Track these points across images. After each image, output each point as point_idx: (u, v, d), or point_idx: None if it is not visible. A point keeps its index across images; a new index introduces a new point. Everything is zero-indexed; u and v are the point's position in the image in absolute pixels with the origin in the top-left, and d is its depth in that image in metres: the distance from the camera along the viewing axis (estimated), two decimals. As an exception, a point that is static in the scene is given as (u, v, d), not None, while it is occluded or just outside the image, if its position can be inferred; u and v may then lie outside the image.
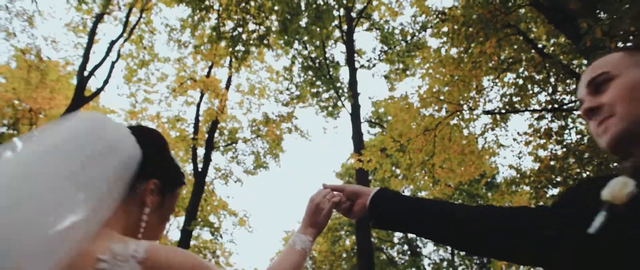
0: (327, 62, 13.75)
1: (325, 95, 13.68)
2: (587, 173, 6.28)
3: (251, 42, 7.15)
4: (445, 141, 7.06)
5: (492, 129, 7.85)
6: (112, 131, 1.00)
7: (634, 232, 0.76)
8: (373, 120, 14.66)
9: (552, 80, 7.66)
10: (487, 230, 1.02)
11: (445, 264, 22.40)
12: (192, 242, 12.80)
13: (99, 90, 11.96)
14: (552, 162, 7.66)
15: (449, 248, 22.41)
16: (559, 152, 7.89)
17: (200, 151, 14.24)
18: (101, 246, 0.87)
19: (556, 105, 7.71)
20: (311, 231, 1.32)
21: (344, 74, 14.33)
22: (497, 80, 7.84)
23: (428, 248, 23.96)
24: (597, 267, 0.81)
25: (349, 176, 20.91)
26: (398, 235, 23.52)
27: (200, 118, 14.79)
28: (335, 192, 1.33)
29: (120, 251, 0.87)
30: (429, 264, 22.75)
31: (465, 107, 7.05)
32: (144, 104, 16.23)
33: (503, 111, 7.05)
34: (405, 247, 22.77)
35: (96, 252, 0.85)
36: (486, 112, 7.09)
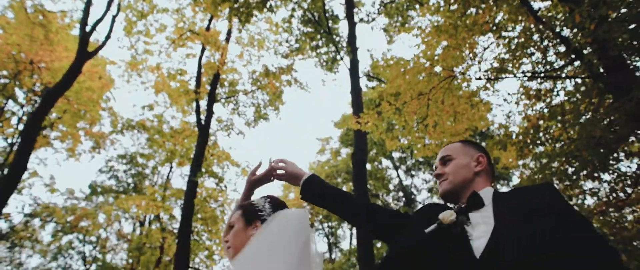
0: (326, 15, 13.78)
1: (324, 50, 13.84)
2: (569, 134, 6.70)
3: (253, 5, 7.32)
4: (438, 104, 7.46)
5: (485, 90, 8.18)
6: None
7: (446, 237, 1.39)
8: (371, 75, 14.90)
9: (544, 43, 7.91)
10: (369, 217, 1.76)
11: (437, 209, 23.49)
12: (203, 194, 13.50)
13: (101, 45, 12.13)
14: (539, 122, 8.10)
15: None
16: (546, 112, 8.30)
17: (203, 103, 14.61)
18: None
19: (547, 67, 8.01)
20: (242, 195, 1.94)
21: (343, 27, 14.38)
22: (491, 42, 8.09)
23: (422, 195, 25.02)
24: (423, 253, 1.41)
25: (347, 128, 21.39)
26: (394, 182, 24.45)
27: (202, 70, 15.00)
28: (277, 160, 1.99)
29: None
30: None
31: (458, 72, 7.36)
32: (144, 56, 16.38)
33: (495, 77, 7.35)
34: (400, 194, 23.73)
35: None
36: (478, 78, 7.40)
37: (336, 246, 32.57)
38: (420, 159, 23.21)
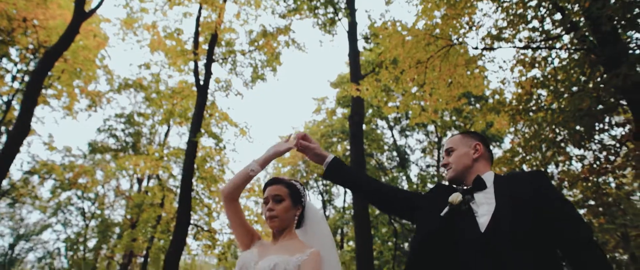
0: (325, -26, 13.60)
1: (322, 11, 13.76)
2: (560, 104, 6.97)
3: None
4: (436, 71, 7.66)
5: (480, 58, 8.36)
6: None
7: (457, 215, 1.73)
8: (369, 37, 14.89)
9: (541, 12, 8.02)
10: (379, 195, 2.11)
11: (430, 169, 24.03)
12: (199, 153, 13.78)
13: (99, 4, 12.01)
14: (532, 89, 8.35)
15: (435, 155, 23.92)
16: (540, 78, 8.54)
17: (200, 63, 14.61)
18: None
19: (544, 36, 8.17)
20: (262, 156, 2.13)
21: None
22: (490, 7, 8.17)
23: (415, 155, 25.56)
24: (442, 232, 1.75)
25: (344, 88, 21.46)
26: (388, 142, 24.85)
27: (199, 29, 14.89)
28: (302, 141, 2.23)
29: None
30: (415, 172, 24.42)
31: (455, 39, 7.50)
32: (139, 14, 16.16)
33: (491, 46, 7.52)
34: (394, 153, 24.20)
35: None
36: (475, 48, 7.56)
37: (330, 203, 33.44)
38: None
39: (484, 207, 1.72)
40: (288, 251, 1.91)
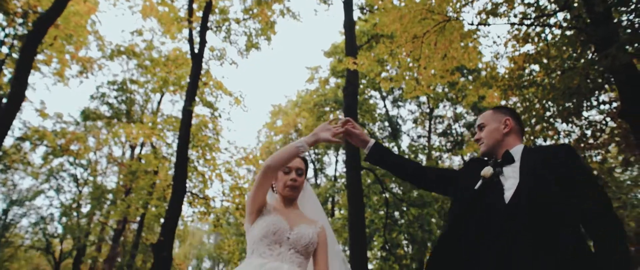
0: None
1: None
2: (552, 80, 7.18)
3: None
4: (431, 46, 7.78)
5: (476, 32, 8.48)
6: None
7: (490, 187, 1.89)
8: (365, 7, 14.83)
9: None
10: (420, 176, 2.31)
11: (422, 139, 24.39)
12: (194, 121, 13.86)
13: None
14: (524, 64, 8.53)
15: (427, 126, 24.24)
16: (533, 53, 8.71)
17: (194, 32, 14.48)
18: None
19: (539, 13, 8.28)
20: (311, 137, 2.18)
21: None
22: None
23: (407, 125, 25.85)
24: (472, 204, 1.92)
25: (337, 58, 21.44)
26: (380, 112, 25.06)
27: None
28: (348, 125, 2.35)
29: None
30: (407, 143, 24.76)
31: (451, 12, 7.59)
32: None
33: (486, 21, 7.63)
34: (386, 123, 24.46)
35: None
36: (471, 24, 7.67)
37: (321, 172, 33.91)
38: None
39: (511, 180, 1.87)
40: (303, 221, 2.14)
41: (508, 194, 1.82)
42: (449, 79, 8.71)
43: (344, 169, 31.90)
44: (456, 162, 22.96)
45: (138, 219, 21.28)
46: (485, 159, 2.10)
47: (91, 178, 24.63)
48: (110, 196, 20.60)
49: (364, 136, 2.36)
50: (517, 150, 1.98)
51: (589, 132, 6.68)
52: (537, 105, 6.90)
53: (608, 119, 6.43)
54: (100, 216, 23.00)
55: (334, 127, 2.25)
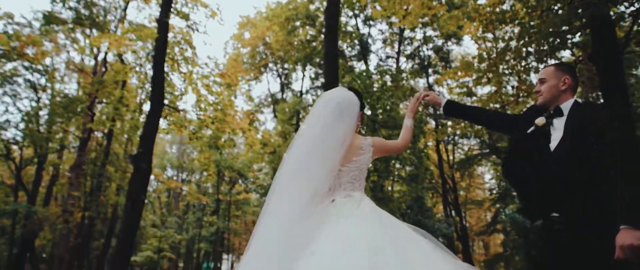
0: None
1: None
2: (532, 19, 7.66)
3: None
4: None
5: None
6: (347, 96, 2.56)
7: (540, 135, 2.37)
8: None
9: None
10: (491, 120, 2.86)
11: (389, 60, 24.86)
12: (170, 35, 13.51)
13: None
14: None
15: (396, 47, 24.61)
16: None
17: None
18: (357, 140, 2.36)
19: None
20: (411, 115, 2.86)
21: None
22: None
23: (376, 45, 26.10)
24: (524, 145, 2.44)
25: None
26: (351, 31, 24.98)
27: None
28: (423, 93, 2.97)
29: (365, 141, 2.40)
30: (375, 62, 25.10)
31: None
32: None
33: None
34: (356, 41, 24.53)
35: (357, 142, 2.32)
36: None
37: (288, 87, 34.11)
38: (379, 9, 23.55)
39: (557, 132, 2.26)
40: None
41: (553, 144, 2.25)
42: (436, 10, 8.99)
43: (311, 85, 32.23)
44: (421, 83, 23.84)
45: (106, 130, 21.19)
46: (540, 108, 2.48)
47: (49, 85, 23.74)
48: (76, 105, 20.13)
49: (438, 99, 2.93)
50: (566, 106, 2.32)
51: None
52: (515, 44, 7.43)
53: (578, 61, 7.10)
54: (62, 124, 22.57)
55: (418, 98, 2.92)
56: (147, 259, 29.96)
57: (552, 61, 7.47)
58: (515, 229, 20.28)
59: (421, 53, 24.21)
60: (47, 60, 23.13)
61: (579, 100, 2.41)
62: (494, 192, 25.80)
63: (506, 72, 7.91)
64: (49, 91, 23.47)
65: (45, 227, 24.57)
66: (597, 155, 2.10)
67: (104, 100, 21.78)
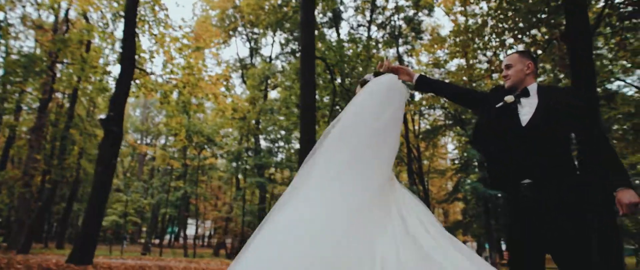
0: None
1: None
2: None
3: None
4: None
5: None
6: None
7: (507, 111, 2.68)
8: None
9: None
10: (460, 96, 3.07)
11: (361, 29, 24.89)
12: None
13: None
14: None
15: (368, 15, 24.61)
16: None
17: None
18: None
19: None
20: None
21: None
22: None
23: (348, 12, 25.92)
24: (497, 119, 2.72)
25: None
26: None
27: None
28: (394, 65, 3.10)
29: None
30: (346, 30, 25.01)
31: None
32: None
33: None
34: (329, 13, 24.35)
35: None
36: None
37: (257, 52, 33.59)
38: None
39: (526, 108, 2.58)
40: None
41: (524, 118, 2.55)
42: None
43: (281, 51, 31.89)
44: (391, 53, 24.15)
45: (69, 91, 20.38)
46: (507, 88, 2.79)
47: (3, 41, 22.38)
48: (36, 64, 19.15)
49: (408, 71, 3.09)
50: (533, 88, 2.70)
51: (531, 49, 7.74)
52: (492, 22, 7.73)
53: (551, 39, 7.48)
54: (18, 83, 21.49)
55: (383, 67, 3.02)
56: (113, 223, 29.64)
57: (519, 47, 7.87)
58: (476, 198, 21.38)
59: (392, 22, 24.35)
60: (0, 15, 21.78)
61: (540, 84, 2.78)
62: (456, 162, 26.85)
63: (481, 46, 8.23)
64: (2, 48, 22.20)
65: (2, 191, 23.76)
66: (569, 128, 2.48)
67: (65, 60, 20.89)
